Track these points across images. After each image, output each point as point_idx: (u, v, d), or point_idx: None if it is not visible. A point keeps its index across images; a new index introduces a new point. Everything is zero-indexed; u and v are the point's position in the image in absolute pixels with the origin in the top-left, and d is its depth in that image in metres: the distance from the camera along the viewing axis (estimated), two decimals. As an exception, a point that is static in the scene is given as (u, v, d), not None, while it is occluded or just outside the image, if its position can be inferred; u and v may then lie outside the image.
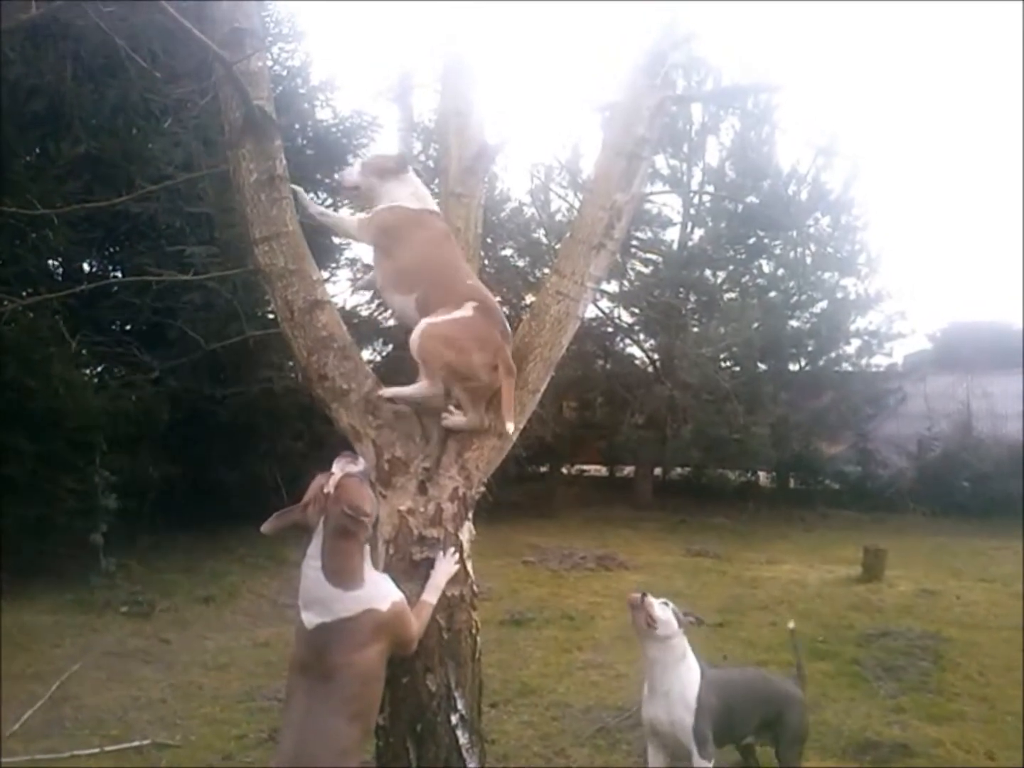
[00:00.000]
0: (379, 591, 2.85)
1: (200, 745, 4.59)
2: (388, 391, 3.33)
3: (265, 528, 2.82)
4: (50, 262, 9.24)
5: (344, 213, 3.91)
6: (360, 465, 2.94)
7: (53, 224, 7.59)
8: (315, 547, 2.77)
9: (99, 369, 9.78)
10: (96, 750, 4.49)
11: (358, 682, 2.76)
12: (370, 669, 2.79)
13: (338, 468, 2.86)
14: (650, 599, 3.59)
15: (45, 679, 5.51)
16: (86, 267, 10.02)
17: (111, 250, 10.13)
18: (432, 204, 3.48)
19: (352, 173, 3.60)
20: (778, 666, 5.94)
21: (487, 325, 3.20)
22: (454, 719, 3.26)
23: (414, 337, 3.16)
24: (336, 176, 3.64)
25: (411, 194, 3.43)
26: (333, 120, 11.31)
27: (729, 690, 3.78)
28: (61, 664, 5.82)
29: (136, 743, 4.58)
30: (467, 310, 3.18)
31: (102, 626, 6.83)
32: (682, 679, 3.59)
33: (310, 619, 2.75)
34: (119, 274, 10.05)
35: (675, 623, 3.60)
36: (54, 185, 7.77)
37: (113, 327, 9.95)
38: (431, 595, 3.12)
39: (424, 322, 3.17)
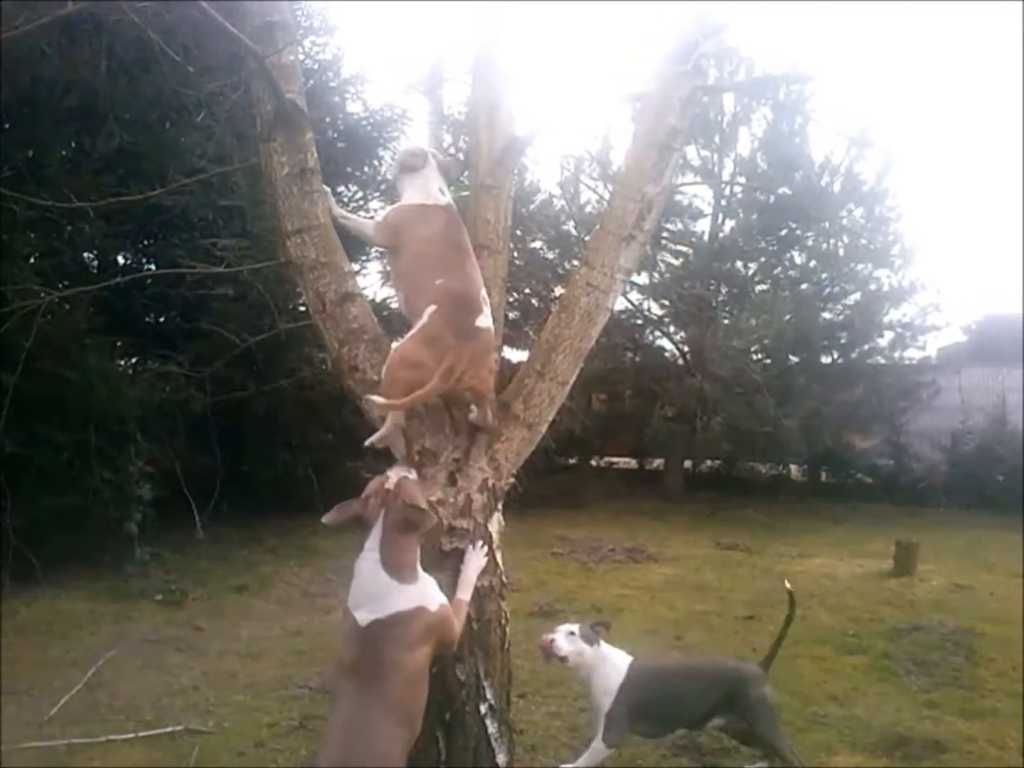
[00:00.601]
0: (429, 591, 2.89)
1: (232, 732, 4.64)
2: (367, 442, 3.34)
3: (327, 519, 2.88)
4: (85, 255, 9.38)
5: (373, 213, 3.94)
6: (414, 474, 3.03)
7: (88, 217, 7.69)
8: (373, 540, 2.81)
9: (134, 361, 9.91)
10: (131, 735, 4.56)
11: (406, 684, 2.78)
12: (417, 671, 2.81)
13: (394, 474, 2.95)
14: (557, 642, 3.75)
15: (81, 665, 5.60)
16: (120, 260, 10.16)
17: (145, 243, 10.25)
18: (438, 197, 3.43)
19: (392, 168, 3.68)
20: (808, 660, 5.92)
21: (440, 329, 3.13)
22: (483, 709, 3.29)
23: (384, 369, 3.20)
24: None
25: (419, 189, 3.43)
26: (364, 113, 11.35)
27: (662, 680, 4.00)
28: (97, 651, 5.92)
29: (169, 729, 4.65)
30: (424, 317, 3.15)
31: (137, 614, 6.93)
32: (606, 675, 3.79)
33: (364, 616, 2.78)
34: (153, 267, 10.17)
35: (585, 648, 3.76)
36: (89, 179, 7.87)
37: (147, 319, 10.08)
38: (464, 592, 3.15)
39: (392, 351, 3.21)
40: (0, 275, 6.92)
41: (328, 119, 10.72)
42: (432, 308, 3.14)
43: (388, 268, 3.58)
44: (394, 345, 3.21)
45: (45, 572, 7.31)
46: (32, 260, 7.97)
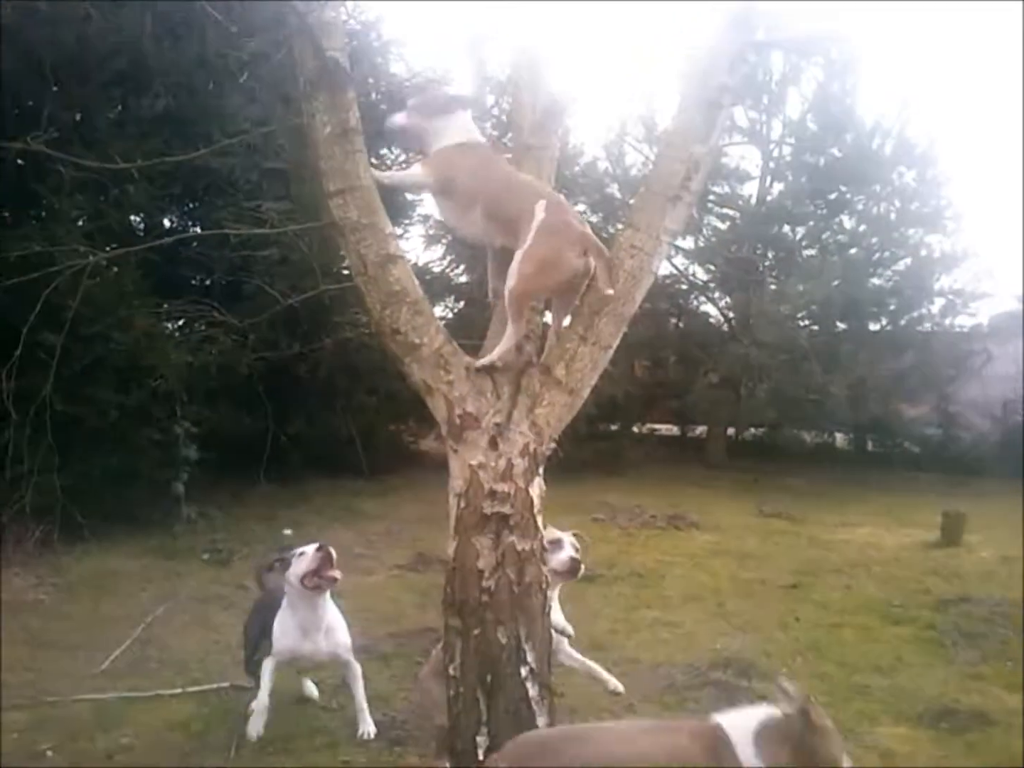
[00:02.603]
0: None
1: (276, 688, 4.68)
2: (480, 362, 3.33)
3: None
4: (132, 218, 9.45)
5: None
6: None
7: (134, 179, 7.74)
8: None
9: (180, 323, 10.02)
10: (178, 690, 4.66)
11: None
12: None
13: None
14: None
15: (131, 621, 5.73)
16: (166, 223, 10.24)
17: (190, 206, 10.33)
18: (478, 135, 3.50)
19: (400, 116, 3.65)
20: (852, 629, 5.87)
21: (563, 217, 3.19)
22: (524, 672, 3.28)
23: (508, 284, 3.14)
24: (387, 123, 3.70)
25: (457, 129, 3.46)
26: (407, 75, 11.28)
27: None
28: (147, 608, 6.05)
29: (216, 685, 4.74)
30: (540, 211, 3.14)
31: (185, 572, 7.06)
32: None
33: None
34: (198, 229, 10.24)
35: None
36: (135, 142, 7.91)
37: (193, 282, 10.17)
38: None
39: (515, 262, 3.14)
40: (48, 236, 7.00)
41: (371, 80, 10.66)
42: (543, 201, 3.17)
43: (440, 212, 3.56)
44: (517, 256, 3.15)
45: (95, 529, 7.46)
46: (80, 222, 8.05)
